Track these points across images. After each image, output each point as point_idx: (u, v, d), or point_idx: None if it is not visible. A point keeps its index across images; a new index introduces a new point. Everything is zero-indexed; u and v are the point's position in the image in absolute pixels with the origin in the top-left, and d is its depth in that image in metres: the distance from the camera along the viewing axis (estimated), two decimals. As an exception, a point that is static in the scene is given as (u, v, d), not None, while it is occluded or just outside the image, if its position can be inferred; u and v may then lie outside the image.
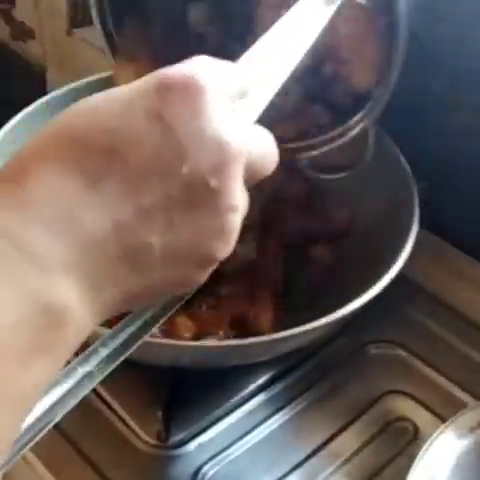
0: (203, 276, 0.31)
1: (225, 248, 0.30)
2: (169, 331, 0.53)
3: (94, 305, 0.27)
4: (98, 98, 0.28)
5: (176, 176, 0.27)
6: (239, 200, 0.29)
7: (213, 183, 0.28)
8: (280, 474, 0.53)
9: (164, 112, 0.28)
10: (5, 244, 0.25)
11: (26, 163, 0.27)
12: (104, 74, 0.66)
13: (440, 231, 0.65)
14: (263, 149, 0.31)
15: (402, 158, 0.60)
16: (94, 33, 0.84)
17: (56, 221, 0.26)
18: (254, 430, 0.55)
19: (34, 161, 0.27)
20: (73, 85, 0.65)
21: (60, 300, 0.26)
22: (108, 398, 0.56)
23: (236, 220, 0.30)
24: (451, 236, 0.65)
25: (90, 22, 0.82)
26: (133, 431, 0.55)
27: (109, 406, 0.56)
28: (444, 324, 0.62)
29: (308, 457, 0.54)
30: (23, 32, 0.96)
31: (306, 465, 0.54)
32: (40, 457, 0.52)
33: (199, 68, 0.29)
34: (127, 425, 0.55)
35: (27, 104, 0.62)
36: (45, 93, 0.65)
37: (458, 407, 0.53)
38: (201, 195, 0.28)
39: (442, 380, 0.59)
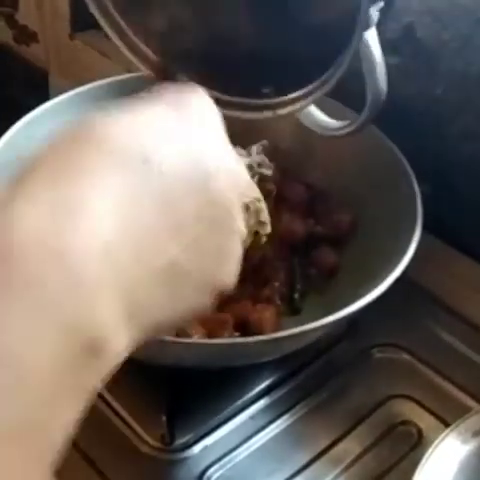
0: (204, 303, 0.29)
1: (230, 273, 0.30)
2: (179, 333, 0.53)
3: (132, 332, 0.24)
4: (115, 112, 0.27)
5: (205, 192, 0.27)
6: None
7: (229, 201, 0.28)
8: (284, 477, 0.53)
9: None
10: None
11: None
12: (107, 80, 0.66)
13: (443, 234, 0.65)
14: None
15: (404, 161, 0.60)
16: (97, 37, 0.85)
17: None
18: (258, 433, 0.55)
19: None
20: (76, 90, 0.65)
21: (102, 332, 0.22)
22: (112, 401, 0.56)
23: (240, 246, 0.29)
24: (457, 240, 0.65)
25: (93, 26, 0.82)
26: (137, 434, 0.54)
27: (113, 409, 0.56)
28: (448, 328, 0.62)
29: (312, 461, 0.54)
30: (26, 36, 0.96)
31: (310, 469, 0.53)
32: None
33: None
34: (131, 428, 0.55)
35: (30, 108, 0.62)
36: (48, 96, 0.65)
37: (462, 411, 0.52)
38: (221, 214, 0.27)
39: (446, 384, 0.59)
